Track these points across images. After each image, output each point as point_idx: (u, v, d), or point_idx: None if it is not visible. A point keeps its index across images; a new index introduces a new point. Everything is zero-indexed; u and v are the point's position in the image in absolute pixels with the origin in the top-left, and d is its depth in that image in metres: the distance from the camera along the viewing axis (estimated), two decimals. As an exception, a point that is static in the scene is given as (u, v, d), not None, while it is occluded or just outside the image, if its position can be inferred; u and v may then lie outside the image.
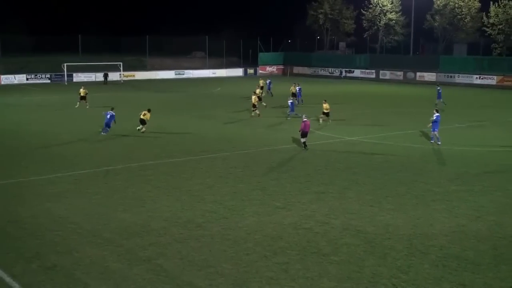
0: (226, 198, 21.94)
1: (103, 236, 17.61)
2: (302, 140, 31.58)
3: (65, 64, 79.45)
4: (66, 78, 79.94)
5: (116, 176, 25.56)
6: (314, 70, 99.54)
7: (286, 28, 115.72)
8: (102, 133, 36.00)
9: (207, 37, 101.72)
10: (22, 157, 29.72)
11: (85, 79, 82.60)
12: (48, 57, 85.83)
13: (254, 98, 45.42)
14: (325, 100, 41.34)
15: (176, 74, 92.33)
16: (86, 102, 50.15)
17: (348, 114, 47.10)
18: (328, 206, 20.88)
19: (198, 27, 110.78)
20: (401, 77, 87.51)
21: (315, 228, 18.45)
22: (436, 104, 50.78)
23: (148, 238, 17.43)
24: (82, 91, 50.63)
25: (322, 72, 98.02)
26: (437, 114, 33.55)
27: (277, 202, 21.41)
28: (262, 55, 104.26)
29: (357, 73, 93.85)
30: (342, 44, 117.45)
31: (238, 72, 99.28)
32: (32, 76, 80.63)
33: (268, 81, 53.22)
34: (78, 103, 50.18)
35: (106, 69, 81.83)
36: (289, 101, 44.38)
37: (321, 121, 40.73)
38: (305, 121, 31.42)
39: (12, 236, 17.66)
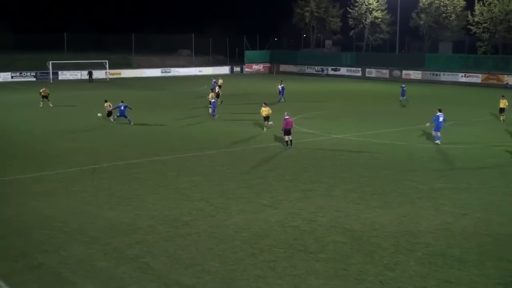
0: (213, 196, 21.92)
1: (90, 234, 17.54)
2: (286, 138, 31.60)
3: (50, 62, 79.04)
4: (51, 76, 79.52)
5: (103, 174, 25.46)
6: (300, 68, 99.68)
7: (272, 26, 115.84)
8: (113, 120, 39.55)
9: (193, 35, 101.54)
10: (7, 155, 29.52)
11: (71, 77, 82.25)
12: (33, 55, 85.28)
13: (211, 96, 45.93)
14: (265, 103, 37.50)
15: (162, 72, 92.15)
16: (48, 100, 49.55)
17: (334, 112, 47.22)
18: (315, 204, 20.92)
19: (184, 25, 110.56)
20: (387, 75, 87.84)
21: (302, 226, 18.48)
22: (400, 101, 51.63)
23: (135, 236, 17.38)
24: (43, 90, 50.10)
25: (308, 70, 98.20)
26: (441, 113, 33.12)
27: (264, 200, 21.42)
28: (248, 53, 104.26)
29: (343, 71, 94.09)
30: (328, 42, 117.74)
31: (224, 70, 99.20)
32: (17, 74, 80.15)
33: (281, 86, 53.44)
34: (41, 102, 49.60)
35: (90, 67, 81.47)
36: (212, 100, 42.92)
37: (265, 129, 37.04)
38: (287, 118, 31.43)
39: (-3, 235, 17.55)
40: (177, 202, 21.10)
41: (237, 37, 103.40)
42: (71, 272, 14.75)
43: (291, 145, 31.49)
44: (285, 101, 52.82)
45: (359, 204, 20.99)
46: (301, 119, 40.82)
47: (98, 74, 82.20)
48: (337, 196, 22.12)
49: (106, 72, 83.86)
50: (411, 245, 16.83)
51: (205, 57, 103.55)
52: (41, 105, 49.19)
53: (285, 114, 31.93)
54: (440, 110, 33.43)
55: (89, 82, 77.11)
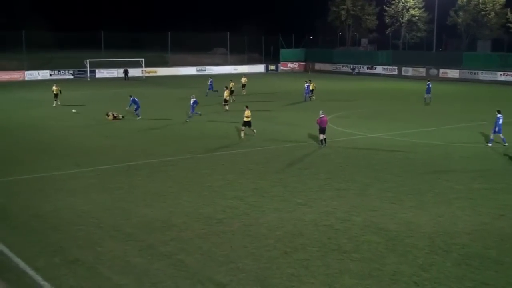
0: (247, 194, 21.95)
1: (125, 231, 17.72)
2: (320, 136, 31.48)
3: (87, 60, 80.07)
4: (88, 74, 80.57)
5: (138, 171, 25.71)
6: (335, 66, 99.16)
7: (308, 25, 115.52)
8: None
9: (228, 33, 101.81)
10: (44, 152, 30.01)
11: (107, 75, 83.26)
12: (71, 53, 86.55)
13: (226, 93, 46.63)
14: (247, 106, 34.64)
15: (197, 70, 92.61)
16: (57, 99, 48.81)
17: (369, 111, 46.88)
18: (349, 203, 20.80)
19: (220, 24, 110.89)
20: (424, 74, 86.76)
21: (336, 225, 18.39)
22: (425, 98, 51.04)
23: (169, 233, 17.50)
24: (55, 88, 49.24)
25: (343, 68, 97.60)
26: (500, 115, 31.72)
27: (298, 198, 21.37)
28: (283, 52, 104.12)
29: (379, 69, 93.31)
30: (364, 41, 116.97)
31: (259, 68, 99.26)
32: (56, 72, 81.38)
33: (307, 85, 53.57)
34: (54, 101, 48.91)
35: (127, 66, 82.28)
36: (192, 99, 40.37)
37: (242, 134, 33.98)
38: (322, 117, 31.28)
39: (35, 230, 17.85)
40: (211, 199, 21.19)
41: (272, 36, 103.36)
42: (106, 267, 14.93)
43: (325, 143, 31.35)
44: (310, 100, 52.73)
45: (394, 204, 20.79)
46: (336, 118, 40.61)
47: (134, 72, 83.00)
48: (372, 195, 21.95)
49: (142, 70, 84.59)
50: (447, 246, 16.60)
51: (240, 55, 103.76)
52: (54, 105, 48.48)
53: (321, 112, 31.76)
54: (499, 112, 31.93)
55: (125, 80, 77.92)
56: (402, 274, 14.63)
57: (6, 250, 16.05)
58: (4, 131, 36.38)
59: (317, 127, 31.73)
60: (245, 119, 33.47)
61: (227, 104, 46.48)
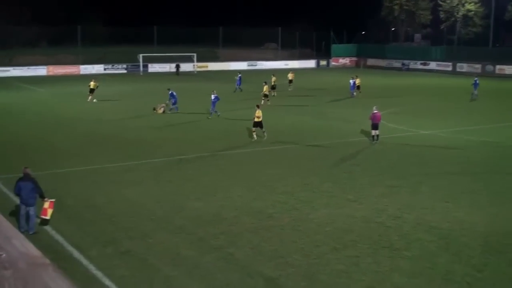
0: (297, 189, 21.91)
1: (176, 223, 17.92)
2: (373, 132, 31.16)
3: (140, 55, 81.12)
4: (141, 69, 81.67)
5: (189, 164, 25.96)
6: (388, 62, 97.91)
7: (360, 20, 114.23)
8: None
9: (279, 28, 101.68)
10: (98, 145, 30.58)
11: (160, 70, 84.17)
12: (125, 48, 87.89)
13: (266, 88, 46.52)
14: (258, 106, 32.70)
15: (248, 65, 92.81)
16: (92, 95, 47.96)
17: (422, 107, 46.14)
18: (400, 201, 20.54)
19: (271, 19, 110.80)
20: (479, 70, 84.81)
21: (387, 222, 18.19)
22: (471, 94, 49.99)
23: (219, 226, 17.63)
24: (92, 83, 48.62)
25: (396, 64, 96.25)
26: None
27: (348, 195, 21.23)
28: (335, 47, 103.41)
29: (432, 65, 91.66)
30: (417, 36, 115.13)
31: (310, 63, 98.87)
32: (110, 66, 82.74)
33: (352, 81, 53.00)
34: (89, 96, 48.26)
35: (179, 60, 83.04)
36: (213, 95, 39.35)
37: (254, 136, 31.67)
38: (375, 112, 30.97)
39: (89, 221, 18.24)
40: (261, 194, 21.23)
41: (324, 31, 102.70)
42: (157, 259, 15.13)
43: (377, 140, 31.02)
44: (354, 96, 52.19)
45: (447, 202, 20.43)
46: (388, 114, 40.12)
47: (185, 67, 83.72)
48: (424, 193, 21.62)
49: (193, 65, 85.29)
50: (502, 246, 16.22)
51: (291, 50, 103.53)
52: (93, 100, 47.76)
53: (374, 108, 31.43)
54: None
55: (176, 75, 78.64)
56: (455, 273, 14.37)
57: (61, 240, 16.45)
58: (59, 124, 37.23)
59: (370, 122, 31.45)
60: (256, 120, 31.45)
61: (268, 99, 46.25)
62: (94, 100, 47.85)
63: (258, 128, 31.60)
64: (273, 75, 54.80)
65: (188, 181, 23.01)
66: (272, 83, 52.78)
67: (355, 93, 52.73)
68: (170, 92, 42.26)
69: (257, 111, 31.58)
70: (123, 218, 18.41)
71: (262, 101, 45.77)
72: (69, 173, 24.30)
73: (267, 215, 18.82)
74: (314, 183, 22.89)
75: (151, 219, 18.34)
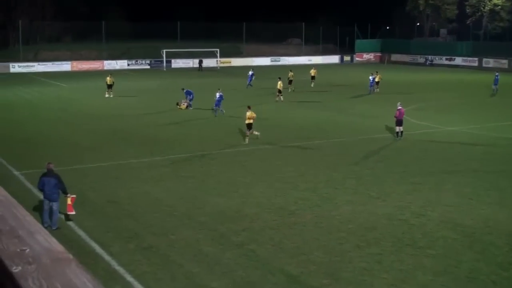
0: (320, 186, 21.88)
1: (198, 219, 17.99)
2: (397, 129, 30.99)
3: (164, 51, 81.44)
4: (165, 64, 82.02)
5: (211, 160, 26.04)
6: (413, 57, 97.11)
7: (384, 15, 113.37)
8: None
9: (303, 23, 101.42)
10: (120, 140, 30.80)
11: (183, 65, 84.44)
12: (148, 43, 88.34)
13: (280, 84, 46.01)
14: (249, 107, 30.79)
15: (271, 61, 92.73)
16: (111, 91, 48.21)
17: (447, 103, 45.75)
18: (424, 198, 20.40)
19: (295, 14, 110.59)
20: (506, 66, 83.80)
21: (410, 219, 18.08)
22: (492, 89, 49.62)
23: (241, 223, 17.66)
24: (109, 79, 48.56)
25: (421, 60, 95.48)
26: None
27: (371, 191, 21.13)
28: (359, 42, 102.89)
29: (458, 61, 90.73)
30: (443, 31, 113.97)
31: (334, 59, 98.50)
32: (133, 62, 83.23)
33: (372, 77, 52.47)
34: (106, 93, 48.48)
35: (202, 56, 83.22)
36: (218, 94, 38.57)
37: (247, 140, 29.93)
38: (399, 108, 30.79)
39: (111, 216, 18.39)
40: (283, 190, 21.23)
41: (348, 26, 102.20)
42: (179, 255, 15.21)
43: (401, 136, 30.84)
44: (374, 92, 51.78)
45: (472, 200, 20.24)
46: (412, 110, 39.85)
47: (209, 62, 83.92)
48: (449, 190, 21.44)
49: (217, 61, 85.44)
50: (528, 245, 16.04)
51: (315, 46, 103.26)
52: (110, 96, 48.14)
53: (398, 104, 31.24)
54: None
55: (199, 70, 78.83)
56: (480, 272, 14.24)
57: (84, 235, 16.61)
58: (82, 119, 37.55)
59: (393, 119, 31.28)
60: (247, 121, 29.81)
61: (281, 95, 45.96)
62: (111, 96, 48.14)
63: (250, 131, 29.90)
64: (290, 70, 54.75)
65: (210, 177, 23.08)
66: (289, 78, 52.66)
67: (375, 89, 52.32)
68: (185, 91, 42.48)
69: (248, 112, 29.88)
70: (145, 214, 18.53)
71: (277, 97, 45.72)
72: (91, 168, 24.51)
73: (289, 211, 18.82)
74: (336, 179, 22.83)
75: (173, 215, 18.44)
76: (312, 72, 58.27)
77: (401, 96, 44.80)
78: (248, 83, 55.40)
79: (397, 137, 30.89)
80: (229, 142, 30.08)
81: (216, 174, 23.65)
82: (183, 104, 42.07)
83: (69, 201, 17.34)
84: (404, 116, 31.25)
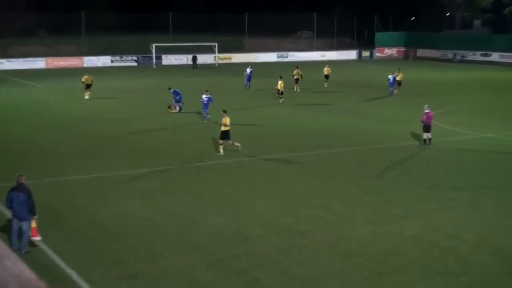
0: (335, 202, 21.73)
1: (192, 242, 17.85)
2: (424, 135, 30.87)
3: (153, 45, 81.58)
4: (154, 61, 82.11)
5: (208, 173, 25.91)
6: (442, 53, 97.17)
7: (409, 4, 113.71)
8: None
9: (314, 14, 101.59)
10: (105, 149, 30.69)
11: (175, 62, 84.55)
12: (135, 37, 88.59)
13: (280, 84, 45.79)
14: (225, 111, 29.66)
15: (278, 57, 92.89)
16: (89, 91, 48.17)
17: (483, 106, 45.64)
18: (458, 217, 20.26)
19: (305, 3, 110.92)
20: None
21: (441, 242, 17.94)
22: None
23: (243, 246, 17.52)
24: (86, 77, 48.59)
25: (452, 55, 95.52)
26: None
27: (395, 209, 21.00)
28: (379, 36, 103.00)
29: (495, 56, 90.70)
30: (476, 22, 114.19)
31: (351, 55, 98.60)
32: (117, 58, 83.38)
33: (392, 76, 52.08)
34: (85, 94, 48.23)
35: (197, 51, 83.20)
36: (204, 96, 37.87)
37: (221, 150, 28.88)
38: (427, 112, 30.67)
39: (91, 239, 18.23)
40: (292, 208, 21.08)
41: (367, 16, 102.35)
42: (170, 284, 15.07)
43: (429, 144, 30.72)
44: (393, 94, 51.56)
45: (514, 219, 20.13)
46: (442, 114, 39.77)
47: (205, 58, 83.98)
48: (486, 207, 21.30)
49: (215, 57, 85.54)
50: None
51: (328, 39, 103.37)
52: (87, 97, 47.99)
53: (426, 107, 31.10)
54: None
55: (193, 68, 78.79)
56: (523, 304, 14.07)
57: (58, 260, 16.46)
58: (59, 124, 37.48)
59: (420, 124, 31.17)
60: (223, 129, 28.95)
61: (282, 97, 45.81)
62: (87, 97, 48.11)
63: (226, 141, 29.11)
64: (297, 67, 54.77)
65: (207, 192, 22.94)
66: (295, 76, 52.73)
67: (395, 91, 51.96)
68: (172, 91, 42.45)
69: (224, 118, 29.07)
70: (131, 235, 18.38)
71: (280, 99, 45.55)
72: (69, 182, 24.39)
73: (299, 232, 18.68)
74: (354, 194, 22.70)
75: (163, 237, 18.29)
76: (326, 70, 58.22)
77: (429, 98, 44.69)
78: (246, 83, 55.23)
79: (425, 145, 30.76)
80: (228, 152, 29.93)
81: (213, 188, 23.51)
82: (175, 108, 42.03)
83: (33, 224, 17.13)
84: (432, 120, 31.15)
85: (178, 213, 20.47)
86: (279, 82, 45.99)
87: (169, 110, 42.02)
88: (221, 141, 29.05)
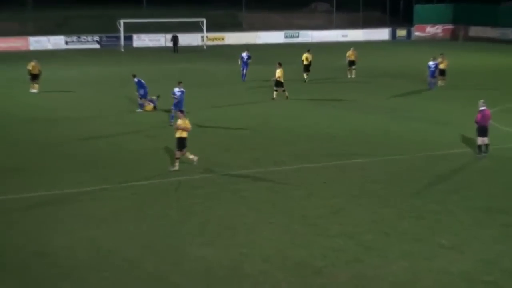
0: (361, 229, 21.68)
1: (173, 281, 17.84)
2: (479, 141, 30.88)
3: (121, 21, 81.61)
4: (122, 43, 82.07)
5: (193, 190, 25.85)
6: (502, 32, 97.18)
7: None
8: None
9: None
10: (58, 158, 30.69)
11: (151, 44, 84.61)
12: (97, 11, 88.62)
13: (278, 73, 45.83)
14: (182, 111, 30.30)
15: (286, 37, 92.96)
16: (36, 83, 48.85)
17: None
18: (523, 248, 20.28)
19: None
20: None
21: (501, 281, 17.94)
22: None
23: (240, 286, 17.50)
24: (33, 65, 49.04)
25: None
26: None
27: (441, 238, 20.98)
28: (419, 9, 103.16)
29: None
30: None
31: (382, 34, 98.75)
32: (74, 38, 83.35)
33: (433, 63, 51.85)
34: (31, 87, 48.93)
35: (179, 30, 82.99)
36: (177, 90, 37.72)
37: (177, 164, 28.82)
38: (482, 110, 30.65)
39: (37, 276, 18.17)
40: (304, 236, 21.05)
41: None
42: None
43: (486, 151, 30.74)
44: (436, 86, 51.50)
45: None
46: (502, 113, 39.79)
47: (190, 39, 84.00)
48: (561, 236, 21.33)
49: (202, 37, 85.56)
50: None
51: (352, 14, 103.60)
52: (34, 91, 48.72)
53: (481, 103, 31.03)
54: None
55: (174, 52, 78.62)
56: None
57: (-6, 306, 16.43)
58: (0, 126, 37.58)
59: (474, 126, 31.18)
60: (179, 135, 28.83)
61: (277, 90, 46.03)
62: (35, 91, 48.56)
63: (183, 151, 28.96)
64: (308, 50, 54.95)
65: (191, 216, 22.89)
66: (304, 62, 53.27)
67: (438, 82, 51.83)
68: (136, 80, 42.24)
69: (180, 120, 29.11)
70: (89, 273, 18.33)
71: (275, 93, 45.45)
72: (11, 201, 24.36)
73: (314, 269, 18.67)
74: (387, 219, 22.67)
75: (134, 275, 18.25)
76: (350, 54, 58.12)
77: (484, 91, 44.73)
78: (242, 72, 55.29)
79: (480, 153, 30.77)
80: (219, 161, 29.95)
81: (200, 210, 23.46)
82: (149, 105, 41.94)
83: None
84: (490, 121, 31.14)
85: (154, 244, 20.43)
86: (278, 70, 45.93)
87: (142, 107, 41.91)
88: (178, 152, 28.81)
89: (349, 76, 56.43)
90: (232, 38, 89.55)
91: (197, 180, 27.29)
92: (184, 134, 28.71)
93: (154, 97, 42.23)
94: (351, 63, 57.64)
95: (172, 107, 37.46)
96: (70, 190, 25.74)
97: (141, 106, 41.97)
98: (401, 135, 35.45)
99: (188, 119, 29.24)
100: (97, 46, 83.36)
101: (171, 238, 20.89)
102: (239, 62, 55.64)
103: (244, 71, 54.82)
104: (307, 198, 24.96)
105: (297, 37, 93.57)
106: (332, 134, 35.60)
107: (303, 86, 49.62)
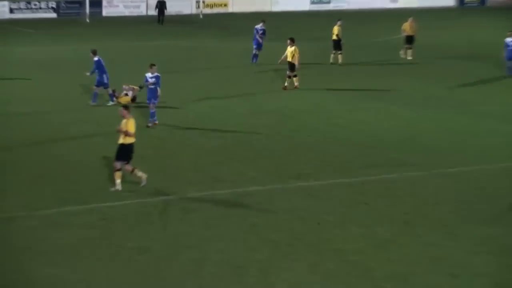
0: (418, 269, 21.59)
1: None
2: None
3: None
4: (88, 11, 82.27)
5: (185, 215, 25.81)
6: None
7: None
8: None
9: None
10: (10, 168, 30.71)
11: (127, 13, 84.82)
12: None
13: (291, 51, 46.53)
14: (126, 108, 29.23)
15: (313, 3, 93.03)
16: None
17: None
18: None
19: None
20: None
21: None
22: None
23: None
24: None
25: None
26: None
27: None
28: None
29: None
30: None
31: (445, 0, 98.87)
32: (21, 4, 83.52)
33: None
34: None
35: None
36: (149, 75, 38.68)
37: (117, 183, 28.28)
38: None
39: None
40: (338, 278, 20.97)
41: None
42: None
43: None
44: None
45: None
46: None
47: (180, 6, 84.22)
48: None
49: (197, 3, 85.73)
50: None
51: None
52: None
53: None
54: None
55: (158, 22, 78.86)
56: None
57: None
58: None
59: None
60: (123, 142, 28.47)
61: (293, 75, 46.75)
62: None
63: (125, 164, 28.68)
64: (339, 20, 55.58)
65: (186, 250, 22.82)
66: (334, 37, 54.06)
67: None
68: (96, 60, 42.30)
69: (125, 121, 28.73)
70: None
71: (286, 82, 45.43)
72: None
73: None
74: (454, 255, 22.58)
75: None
76: (408, 27, 57.95)
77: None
78: (254, 52, 55.33)
79: None
80: (221, 174, 29.92)
81: (195, 242, 23.38)
82: (125, 95, 41.91)
83: None
84: None
85: (132, 287, 20.38)
86: (290, 49, 45.80)
87: (115, 98, 41.96)
88: (118, 164, 28.43)
89: (402, 56, 56.43)
90: (239, 4, 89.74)
91: (191, 199, 27.22)
92: (130, 140, 28.38)
93: (136, 87, 42.17)
94: (409, 39, 57.41)
95: (147, 100, 37.97)
96: (16, 214, 25.70)
97: (112, 97, 42.15)
98: (470, 138, 35.47)
99: (133, 118, 28.71)
100: (53, 15, 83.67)
101: (155, 278, 20.83)
102: (256, 37, 55.89)
103: (257, 51, 54.81)
104: (341, 225, 24.89)
105: (329, 2, 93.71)
106: (375, 136, 35.54)
107: (334, 70, 49.48)
